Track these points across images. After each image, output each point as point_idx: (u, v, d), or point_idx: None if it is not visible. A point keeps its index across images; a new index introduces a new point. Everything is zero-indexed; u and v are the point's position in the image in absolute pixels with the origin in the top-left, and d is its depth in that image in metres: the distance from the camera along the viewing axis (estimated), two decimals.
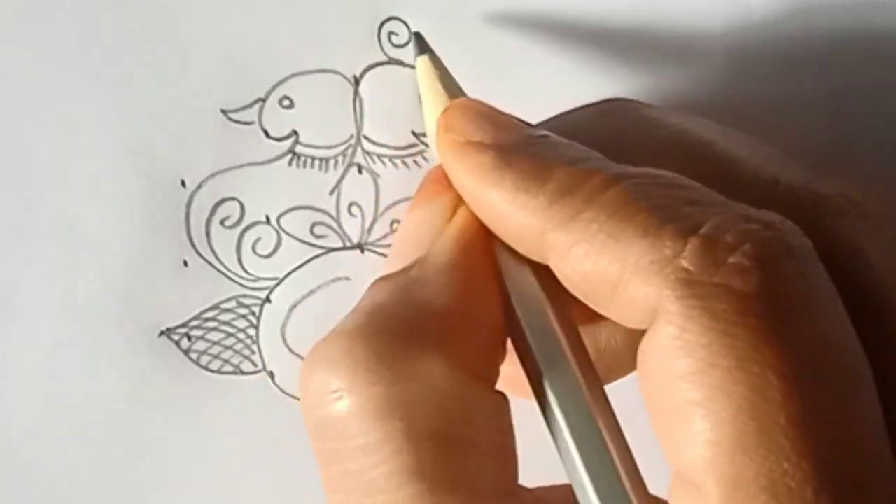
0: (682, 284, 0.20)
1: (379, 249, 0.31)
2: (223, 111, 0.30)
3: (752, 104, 0.31)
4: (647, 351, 0.21)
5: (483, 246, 0.24)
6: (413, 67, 0.30)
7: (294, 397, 0.31)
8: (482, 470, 0.22)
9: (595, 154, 0.23)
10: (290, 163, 0.30)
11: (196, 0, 0.29)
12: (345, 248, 0.31)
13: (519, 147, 0.23)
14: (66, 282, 0.30)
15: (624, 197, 0.21)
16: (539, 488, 0.24)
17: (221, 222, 0.30)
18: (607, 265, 0.21)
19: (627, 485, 0.21)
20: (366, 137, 0.30)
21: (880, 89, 0.31)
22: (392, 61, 0.30)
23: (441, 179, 0.25)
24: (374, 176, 0.30)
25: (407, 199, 0.31)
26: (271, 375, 0.31)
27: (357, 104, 0.30)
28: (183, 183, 0.30)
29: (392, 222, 0.31)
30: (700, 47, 0.31)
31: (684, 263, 0.20)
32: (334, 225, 0.31)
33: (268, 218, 0.30)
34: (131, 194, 0.30)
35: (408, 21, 0.30)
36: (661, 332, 0.20)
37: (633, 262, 0.21)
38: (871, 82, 0.31)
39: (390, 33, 0.30)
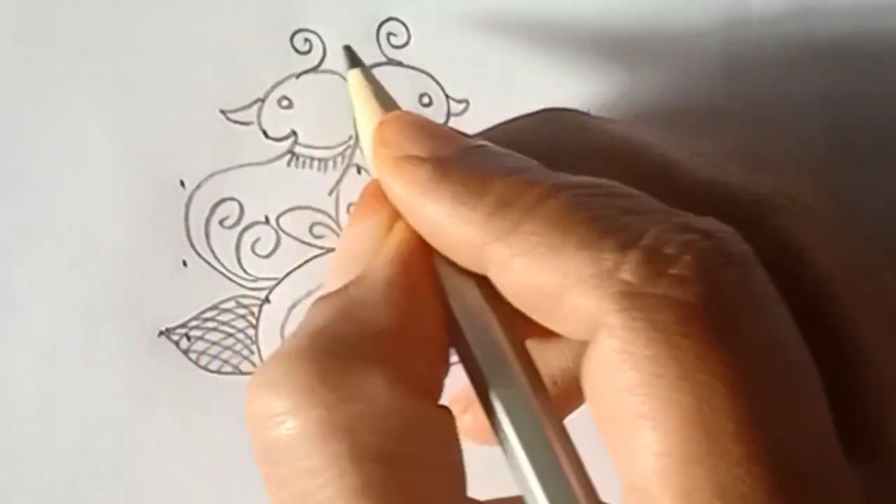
0: (624, 297, 0.20)
1: None
2: (222, 111, 0.30)
3: (751, 105, 0.31)
4: (591, 365, 0.21)
5: (422, 260, 0.24)
6: (413, 69, 0.30)
7: None
8: (430, 485, 0.22)
9: (533, 163, 0.23)
10: (289, 163, 0.30)
11: (195, 0, 0.29)
12: None
13: (456, 159, 0.23)
14: (66, 282, 0.30)
15: (563, 208, 0.21)
16: (491, 501, 0.25)
17: (221, 222, 0.30)
18: (548, 277, 0.21)
19: (580, 494, 0.21)
20: None
21: (879, 90, 0.31)
22: (391, 62, 0.30)
23: (378, 194, 0.24)
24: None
25: None
26: None
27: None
28: (182, 183, 0.30)
29: None
30: (698, 48, 0.31)
31: (625, 276, 0.20)
32: (333, 225, 0.31)
33: (267, 218, 0.30)
34: (130, 194, 0.30)
35: (407, 22, 0.30)
36: (604, 345, 0.20)
37: (573, 274, 0.21)
38: (870, 83, 0.31)
39: (389, 34, 0.30)
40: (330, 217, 0.31)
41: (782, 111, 0.31)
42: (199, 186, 0.30)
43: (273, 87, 0.30)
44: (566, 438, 0.22)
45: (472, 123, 0.30)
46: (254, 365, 0.31)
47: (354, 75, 0.27)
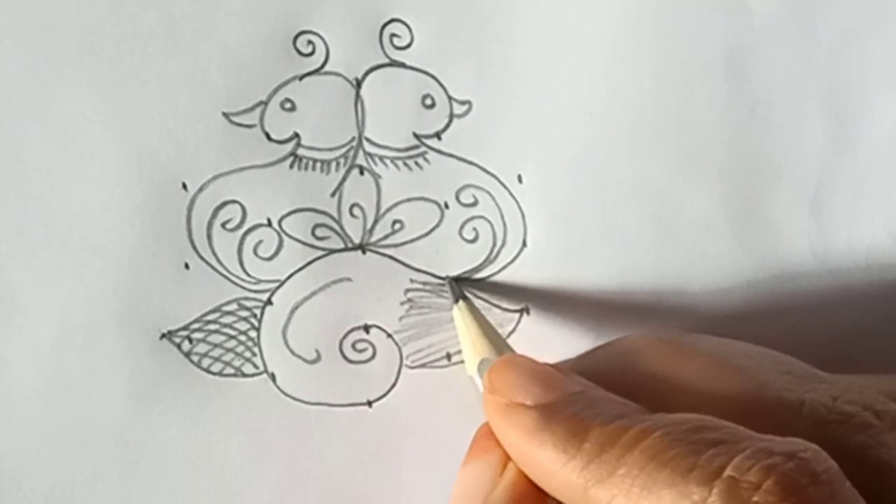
0: None
1: (381, 250, 0.31)
2: (225, 114, 0.30)
3: (753, 106, 0.31)
4: None
5: (534, 498, 0.25)
6: (416, 70, 0.30)
7: (295, 399, 0.31)
8: None
9: (630, 407, 0.25)
10: (291, 165, 0.30)
11: (197, 2, 0.29)
12: (346, 249, 0.31)
13: (559, 406, 0.25)
14: (68, 285, 0.30)
15: (653, 449, 0.23)
16: None
17: (223, 225, 0.30)
18: None
19: None
20: (367, 139, 0.30)
21: (881, 91, 0.32)
22: (394, 63, 0.30)
23: (490, 435, 0.27)
24: (376, 177, 0.31)
25: (409, 200, 0.31)
26: (272, 377, 0.31)
27: (359, 106, 0.30)
28: (184, 186, 0.30)
29: (394, 223, 0.31)
30: (701, 51, 0.31)
31: None
32: (336, 226, 0.31)
33: (269, 220, 0.30)
34: (133, 197, 0.30)
35: (410, 23, 0.30)
36: None
37: None
38: (872, 85, 0.31)
39: (392, 35, 0.30)
40: (332, 219, 0.30)
41: (783, 111, 0.31)
42: (201, 189, 0.30)
43: (276, 90, 0.30)
44: None
45: (474, 124, 0.30)
46: (255, 367, 0.31)
47: (458, 310, 0.30)
